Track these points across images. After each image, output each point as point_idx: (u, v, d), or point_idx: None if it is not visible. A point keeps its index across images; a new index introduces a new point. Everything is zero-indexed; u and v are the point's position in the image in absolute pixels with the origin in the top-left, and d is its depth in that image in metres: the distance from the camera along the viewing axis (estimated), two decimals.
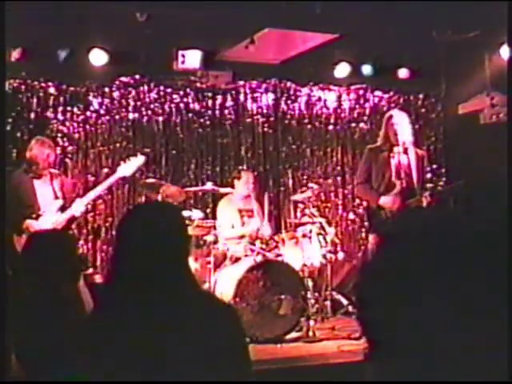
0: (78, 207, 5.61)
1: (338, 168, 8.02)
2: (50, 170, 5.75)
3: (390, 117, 5.87)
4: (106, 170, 6.97)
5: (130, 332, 1.86)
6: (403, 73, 7.76)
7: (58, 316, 2.71)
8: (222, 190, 6.63)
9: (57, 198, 5.69)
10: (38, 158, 5.65)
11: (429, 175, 6.11)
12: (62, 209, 5.63)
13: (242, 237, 6.22)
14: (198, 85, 7.40)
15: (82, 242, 6.88)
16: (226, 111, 7.61)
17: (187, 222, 5.33)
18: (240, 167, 7.32)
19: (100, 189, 5.85)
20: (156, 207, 2.34)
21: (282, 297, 5.66)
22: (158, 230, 1.98)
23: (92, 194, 5.79)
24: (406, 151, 5.78)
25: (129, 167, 5.79)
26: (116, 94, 7.16)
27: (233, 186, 6.73)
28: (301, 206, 6.88)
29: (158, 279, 1.90)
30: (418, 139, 6.18)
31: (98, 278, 5.99)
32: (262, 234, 6.20)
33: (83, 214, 5.91)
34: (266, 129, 7.78)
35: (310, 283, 6.03)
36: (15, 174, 5.79)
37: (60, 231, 3.63)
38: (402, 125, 5.77)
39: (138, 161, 5.86)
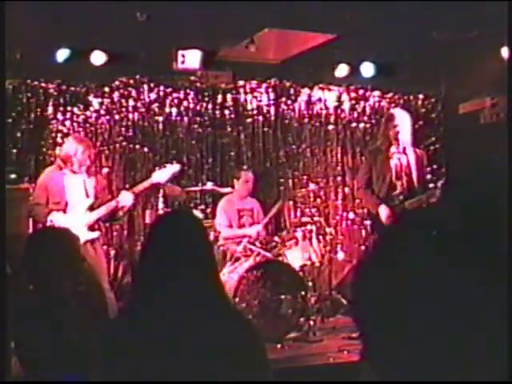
0: (103, 210, 5.48)
1: (338, 168, 8.02)
2: (85, 167, 5.55)
3: (391, 116, 5.87)
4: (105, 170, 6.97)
5: (151, 337, 1.85)
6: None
7: (58, 316, 2.71)
8: (222, 190, 6.63)
9: (88, 196, 5.53)
10: (70, 156, 5.49)
11: (429, 175, 6.12)
12: (91, 208, 5.49)
13: (241, 237, 6.22)
14: (198, 85, 7.40)
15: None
16: (226, 111, 7.61)
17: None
18: (240, 167, 7.32)
19: (137, 189, 5.68)
20: (184, 216, 2.29)
21: (282, 297, 5.66)
22: (190, 239, 1.98)
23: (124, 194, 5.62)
24: (404, 151, 5.78)
25: (163, 174, 5.66)
26: (116, 94, 7.16)
27: (233, 186, 6.73)
28: (301, 205, 6.89)
29: (186, 287, 1.89)
30: (416, 139, 6.17)
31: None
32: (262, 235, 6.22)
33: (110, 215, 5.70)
34: (265, 129, 7.78)
35: (310, 283, 6.04)
36: (47, 170, 5.71)
37: (63, 229, 3.61)
38: (404, 125, 5.77)
39: (172, 168, 5.73)
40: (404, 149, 5.76)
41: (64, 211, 5.46)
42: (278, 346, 5.36)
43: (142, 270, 2.02)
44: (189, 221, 2.13)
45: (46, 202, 5.51)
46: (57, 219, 5.36)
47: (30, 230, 5.90)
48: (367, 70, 7.67)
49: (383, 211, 5.62)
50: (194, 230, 2.04)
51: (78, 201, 5.52)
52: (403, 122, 5.80)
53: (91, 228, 5.46)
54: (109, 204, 5.50)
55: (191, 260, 1.94)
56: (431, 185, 6.05)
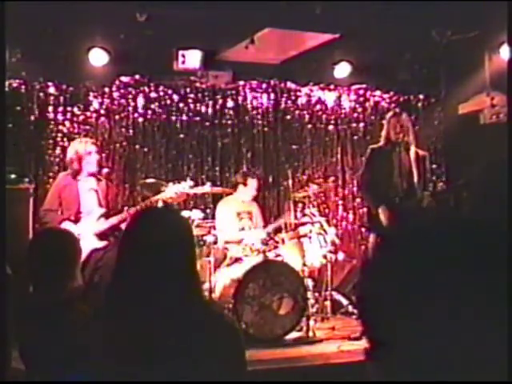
0: (120, 218, 5.60)
1: (338, 168, 8.02)
2: (98, 175, 5.76)
3: (393, 116, 5.88)
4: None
5: (130, 335, 1.85)
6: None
7: (59, 317, 2.71)
8: (223, 192, 6.63)
9: (101, 205, 5.69)
10: (80, 156, 5.66)
11: (429, 175, 6.12)
12: (103, 217, 5.63)
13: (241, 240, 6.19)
14: (198, 85, 7.40)
15: None
16: (226, 111, 7.61)
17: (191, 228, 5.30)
18: (245, 172, 7.24)
19: (144, 204, 5.82)
20: (163, 212, 2.29)
21: (283, 296, 5.65)
22: (167, 236, 1.96)
23: (137, 208, 5.74)
24: (407, 151, 5.78)
25: (176, 189, 5.81)
26: (116, 94, 7.16)
27: (235, 188, 6.68)
28: (301, 205, 6.88)
29: (162, 286, 1.88)
30: (418, 139, 6.18)
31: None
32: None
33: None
34: (266, 129, 7.78)
35: (310, 283, 6.03)
36: (60, 176, 5.84)
37: (65, 230, 3.60)
38: (405, 125, 5.78)
39: (186, 185, 5.88)
40: (407, 149, 5.77)
41: (76, 218, 5.55)
42: (278, 346, 5.35)
43: (117, 272, 2.01)
44: (165, 218, 2.11)
45: (59, 209, 5.61)
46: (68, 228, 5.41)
47: (30, 231, 5.90)
48: (367, 69, 7.66)
49: (383, 212, 5.63)
50: (169, 227, 2.02)
51: (91, 209, 5.64)
52: (405, 122, 5.81)
53: (100, 237, 5.54)
54: (120, 215, 5.64)
55: (166, 259, 1.93)
56: (431, 185, 6.06)
